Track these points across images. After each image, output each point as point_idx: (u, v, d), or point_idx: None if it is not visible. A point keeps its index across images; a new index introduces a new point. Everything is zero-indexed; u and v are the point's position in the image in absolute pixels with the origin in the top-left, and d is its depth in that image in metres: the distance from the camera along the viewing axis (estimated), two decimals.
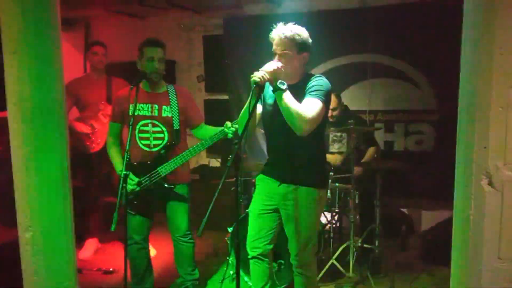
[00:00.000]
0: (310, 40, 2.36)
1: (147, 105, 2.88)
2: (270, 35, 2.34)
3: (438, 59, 4.14)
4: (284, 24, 2.33)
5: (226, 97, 5.11)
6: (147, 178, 2.84)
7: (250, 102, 2.14)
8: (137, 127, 2.87)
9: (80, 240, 3.20)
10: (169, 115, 2.90)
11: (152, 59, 2.81)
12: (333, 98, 3.85)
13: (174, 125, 2.90)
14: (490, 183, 1.65)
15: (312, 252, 2.53)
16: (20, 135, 2.21)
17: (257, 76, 2.13)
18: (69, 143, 2.51)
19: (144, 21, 5.23)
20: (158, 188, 2.86)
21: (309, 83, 2.32)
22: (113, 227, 2.38)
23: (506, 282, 1.67)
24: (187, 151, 2.84)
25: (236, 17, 4.89)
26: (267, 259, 2.62)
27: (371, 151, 3.98)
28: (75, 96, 3.77)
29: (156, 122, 2.88)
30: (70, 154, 2.43)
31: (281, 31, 2.29)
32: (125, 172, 2.48)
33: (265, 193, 2.54)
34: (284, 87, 2.17)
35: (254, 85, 2.11)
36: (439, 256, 3.57)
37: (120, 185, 2.47)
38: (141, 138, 2.88)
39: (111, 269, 3.61)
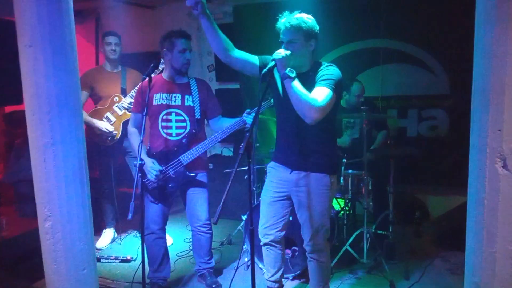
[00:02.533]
0: (317, 27, 2.34)
1: (171, 94, 2.93)
2: (276, 25, 2.34)
3: (451, 44, 4.08)
4: (290, 12, 2.33)
5: (237, 86, 5.11)
6: (169, 167, 2.89)
7: (260, 96, 2.16)
8: (160, 116, 2.92)
9: (97, 230, 3.26)
10: (192, 104, 2.95)
11: (184, 51, 2.88)
12: (359, 85, 3.86)
13: (196, 114, 2.95)
14: (504, 166, 1.64)
15: (324, 238, 2.55)
16: (37, 127, 2.26)
17: (265, 68, 2.16)
18: (86, 135, 2.55)
19: (154, 11, 5.24)
20: (179, 176, 2.91)
21: (320, 71, 2.32)
22: (130, 216, 2.43)
23: None
24: (208, 139, 2.89)
25: (246, 4, 4.87)
26: (279, 245, 2.65)
27: (381, 136, 3.97)
28: (90, 87, 3.79)
29: (179, 111, 2.94)
30: (86, 145, 2.47)
31: (287, 20, 2.29)
32: (140, 162, 2.53)
33: (276, 180, 2.56)
34: (293, 75, 2.18)
35: (262, 76, 2.16)
36: (454, 242, 3.56)
37: (136, 175, 2.52)
38: (163, 127, 2.93)
39: (128, 257, 3.67)
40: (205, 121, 3.12)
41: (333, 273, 3.29)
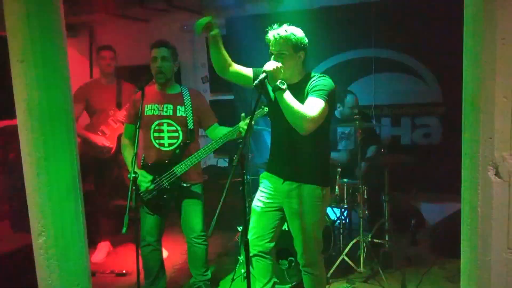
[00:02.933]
0: (305, 40, 2.37)
1: (162, 105, 2.93)
2: (266, 37, 2.37)
3: (442, 53, 4.11)
4: (279, 25, 2.36)
5: (231, 97, 5.13)
6: (163, 178, 2.88)
7: (253, 106, 2.17)
8: (152, 127, 2.93)
9: (92, 244, 3.25)
10: (184, 115, 2.95)
11: (155, 60, 2.87)
12: (352, 97, 3.90)
13: (189, 124, 2.96)
14: (497, 174, 1.65)
15: (317, 251, 2.54)
16: (30, 142, 2.24)
17: (257, 80, 2.17)
18: (81, 148, 2.54)
19: (148, 24, 5.27)
20: (174, 188, 2.90)
21: (312, 82, 2.34)
22: (124, 229, 2.41)
23: None
24: (201, 149, 2.88)
25: (238, 16, 4.91)
26: (269, 256, 2.62)
27: (370, 151, 3.99)
28: (85, 101, 3.81)
29: (171, 122, 2.93)
30: (80, 158, 2.46)
31: (276, 32, 2.33)
32: (134, 175, 2.52)
33: (268, 191, 2.55)
34: (283, 86, 2.19)
35: (255, 88, 2.16)
36: (450, 249, 3.57)
37: (130, 188, 2.51)
38: (156, 138, 2.93)
39: (124, 271, 3.65)
40: (201, 132, 3.11)
41: (330, 283, 3.28)
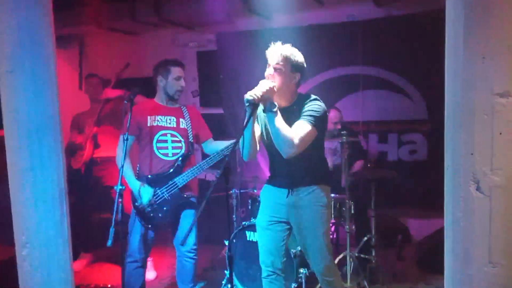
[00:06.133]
0: (304, 63, 2.41)
1: (165, 117, 3.00)
2: (266, 51, 2.38)
3: (428, 69, 4.21)
4: (282, 43, 2.38)
5: (221, 111, 5.15)
6: (164, 189, 2.89)
7: (245, 120, 2.18)
8: (155, 137, 2.95)
9: (75, 255, 3.22)
10: (185, 127, 3.03)
11: (179, 79, 3.01)
12: (336, 113, 3.94)
13: (189, 137, 3.03)
14: (478, 189, 1.68)
15: (331, 255, 2.52)
16: (16, 153, 2.23)
17: (250, 94, 2.16)
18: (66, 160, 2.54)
19: (138, 37, 5.30)
20: (175, 199, 2.90)
21: (304, 105, 2.35)
22: (109, 242, 2.40)
23: (497, 286, 1.69)
24: (204, 161, 2.92)
25: (228, 32, 4.97)
26: (283, 275, 2.56)
27: (358, 165, 4.03)
28: (79, 127, 3.97)
29: (175, 133, 2.99)
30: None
31: (278, 48, 2.35)
32: (121, 187, 2.52)
33: (273, 205, 2.53)
34: (274, 109, 2.22)
35: (247, 104, 2.15)
36: (436, 265, 3.57)
37: (116, 200, 2.50)
38: (159, 148, 2.96)
39: (108, 285, 3.59)
40: (196, 146, 3.15)
41: None
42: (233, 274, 2.09)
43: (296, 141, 2.23)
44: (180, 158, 2.95)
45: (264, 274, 2.57)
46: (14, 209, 2.30)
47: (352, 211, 3.51)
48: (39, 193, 2.26)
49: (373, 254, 3.63)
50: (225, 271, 3.44)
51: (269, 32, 4.47)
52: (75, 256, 3.92)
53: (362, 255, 3.59)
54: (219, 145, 3.03)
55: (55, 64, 2.31)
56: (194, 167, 2.91)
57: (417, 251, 4.09)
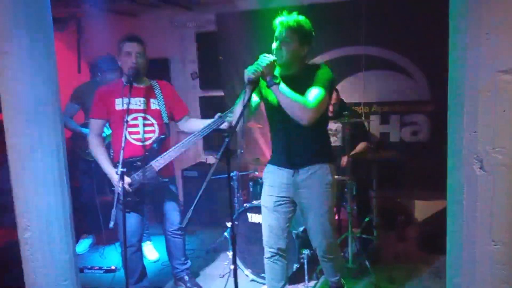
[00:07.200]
0: (313, 33, 2.35)
1: (134, 99, 2.82)
2: (274, 22, 2.31)
3: (431, 50, 4.14)
4: (289, 13, 2.31)
5: (221, 93, 5.11)
6: (140, 173, 2.81)
7: (244, 99, 2.14)
8: (125, 121, 2.78)
9: (78, 238, 3.23)
10: (158, 108, 2.89)
11: (128, 54, 2.77)
12: (334, 93, 3.89)
13: (164, 118, 2.90)
14: (481, 167, 1.67)
15: (336, 235, 2.54)
16: (15, 135, 2.22)
17: (250, 72, 2.13)
18: (67, 143, 2.52)
19: (136, 19, 5.22)
20: (153, 183, 2.84)
21: (311, 72, 2.31)
22: (111, 224, 2.40)
23: (499, 264, 1.69)
24: (182, 142, 2.82)
25: (228, 12, 4.90)
26: (285, 255, 2.59)
27: (361, 146, 4.01)
28: (81, 102, 3.84)
29: (146, 115, 2.85)
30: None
31: (286, 19, 2.27)
32: (122, 169, 2.50)
33: (278, 185, 2.50)
34: (277, 81, 2.17)
35: (248, 82, 2.12)
36: (438, 245, 3.59)
37: (119, 183, 2.50)
38: (130, 133, 2.82)
39: (112, 267, 3.62)
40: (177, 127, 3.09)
41: (319, 278, 3.29)
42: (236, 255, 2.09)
43: (311, 104, 2.17)
44: (155, 143, 2.84)
45: (267, 255, 2.58)
46: (15, 192, 2.29)
47: (354, 192, 3.51)
48: (40, 175, 2.26)
49: (375, 234, 3.64)
50: (227, 252, 3.46)
51: (269, 11, 4.39)
52: (78, 238, 3.96)
53: (364, 236, 3.60)
54: (196, 124, 2.92)
55: (53, 45, 2.27)
56: (173, 149, 2.81)
57: (419, 232, 4.10)
